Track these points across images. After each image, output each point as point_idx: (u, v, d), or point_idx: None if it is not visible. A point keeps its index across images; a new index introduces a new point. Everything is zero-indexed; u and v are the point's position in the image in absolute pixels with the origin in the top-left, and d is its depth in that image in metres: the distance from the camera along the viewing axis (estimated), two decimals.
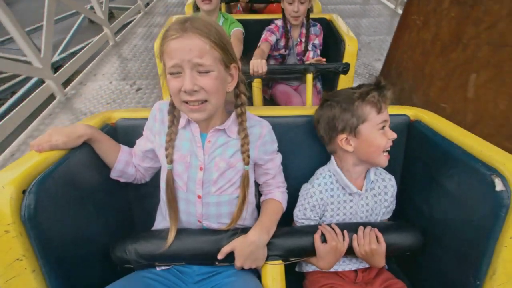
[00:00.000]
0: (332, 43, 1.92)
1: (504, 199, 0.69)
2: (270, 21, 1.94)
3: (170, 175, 0.88)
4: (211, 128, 0.88)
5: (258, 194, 1.05)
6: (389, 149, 0.92)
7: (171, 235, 0.86)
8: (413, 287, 0.98)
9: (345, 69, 1.56)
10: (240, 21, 1.93)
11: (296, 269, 1.05)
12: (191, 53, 0.72)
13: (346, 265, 0.98)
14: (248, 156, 0.89)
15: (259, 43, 1.86)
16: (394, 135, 0.91)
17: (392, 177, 1.03)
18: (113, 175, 0.95)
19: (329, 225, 0.93)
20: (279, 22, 1.90)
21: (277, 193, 1.00)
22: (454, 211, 0.84)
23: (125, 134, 1.02)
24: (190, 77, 0.74)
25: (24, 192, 0.64)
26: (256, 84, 1.65)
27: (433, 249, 0.91)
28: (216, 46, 0.75)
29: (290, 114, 1.09)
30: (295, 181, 1.05)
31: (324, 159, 1.06)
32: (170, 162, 0.88)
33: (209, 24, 0.75)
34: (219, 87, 0.79)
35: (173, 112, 0.88)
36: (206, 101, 0.78)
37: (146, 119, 0.98)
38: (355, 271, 0.98)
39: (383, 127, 0.91)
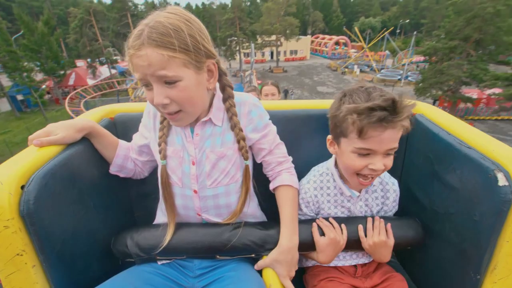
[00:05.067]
0: None
1: (507, 194, 0.68)
2: None
3: (164, 170, 0.88)
4: (198, 122, 0.86)
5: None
6: (368, 176, 0.84)
7: (170, 230, 0.86)
8: (413, 281, 0.98)
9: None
10: None
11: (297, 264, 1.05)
12: (151, 67, 0.68)
13: (346, 261, 0.98)
14: (247, 152, 0.88)
15: None
16: (376, 167, 0.80)
17: (396, 182, 1.00)
18: (112, 170, 0.95)
19: (327, 219, 0.93)
20: None
21: (284, 175, 0.94)
22: (456, 206, 0.83)
23: (124, 128, 1.02)
24: (157, 91, 0.71)
25: (22, 187, 0.64)
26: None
27: (433, 244, 0.91)
28: (177, 53, 0.69)
29: (289, 107, 1.08)
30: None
31: (321, 156, 1.04)
32: (164, 157, 0.87)
33: (167, 30, 0.68)
34: (192, 94, 0.75)
35: (164, 121, 0.87)
36: (180, 111, 0.76)
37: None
38: (355, 266, 0.98)
39: (363, 154, 0.82)
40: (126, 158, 0.95)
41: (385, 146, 0.79)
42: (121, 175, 0.98)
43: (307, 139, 1.08)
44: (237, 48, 33.11)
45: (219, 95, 0.87)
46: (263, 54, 41.04)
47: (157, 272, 0.87)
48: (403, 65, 29.07)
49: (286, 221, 0.88)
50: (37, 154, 0.72)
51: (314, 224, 0.91)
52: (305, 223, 0.93)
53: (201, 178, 0.87)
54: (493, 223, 0.70)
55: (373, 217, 0.94)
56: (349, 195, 0.94)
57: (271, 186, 0.96)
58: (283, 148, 0.97)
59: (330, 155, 1.00)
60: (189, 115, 0.79)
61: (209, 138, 0.86)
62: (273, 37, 35.05)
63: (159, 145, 0.87)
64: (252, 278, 0.83)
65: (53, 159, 0.73)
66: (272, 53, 41.12)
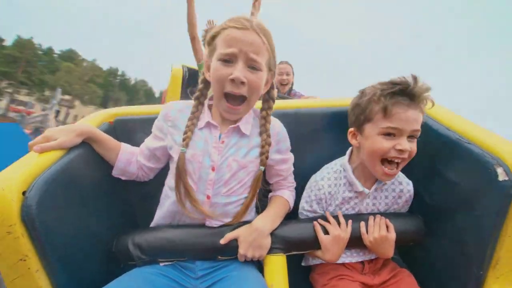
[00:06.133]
0: None
1: (507, 189, 0.68)
2: None
3: (183, 159, 0.86)
4: (227, 128, 0.89)
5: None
6: (395, 161, 0.85)
7: (172, 231, 0.86)
8: (416, 278, 0.98)
9: None
10: None
11: (303, 264, 1.05)
12: (250, 47, 0.78)
13: (353, 257, 0.97)
14: (267, 158, 0.90)
15: None
16: (403, 147, 0.82)
17: (411, 183, 0.99)
18: (115, 173, 0.96)
19: (334, 216, 0.93)
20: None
21: (286, 192, 1.01)
22: (457, 201, 0.83)
23: (124, 132, 1.02)
24: (241, 68, 0.79)
25: (24, 193, 0.64)
26: None
27: (435, 240, 0.91)
28: (269, 49, 0.83)
29: (299, 106, 1.07)
30: (299, 178, 1.04)
31: (332, 155, 1.04)
32: (186, 145, 0.87)
33: (266, 28, 0.83)
34: (260, 87, 0.84)
35: (196, 112, 0.90)
36: (245, 99, 0.83)
37: (145, 116, 0.97)
38: (362, 262, 0.98)
39: (389, 134, 0.84)
40: (128, 162, 0.95)
41: (410, 126, 0.83)
42: (124, 178, 0.98)
43: (320, 138, 1.08)
44: (8, 90, 28.79)
45: (251, 113, 0.94)
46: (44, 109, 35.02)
47: (160, 273, 0.87)
48: None
49: (270, 211, 0.93)
50: (37, 160, 0.72)
51: (316, 223, 0.91)
52: (309, 222, 0.93)
53: (218, 185, 0.88)
54: (494, 218, 0.70)
55: (372, 214, 0.93)
56: (360, 191, 0.95)
57: (270, 195, 1.02)
58: (293, 176, 1.04)
59: (340, 155, 1.02)
60: (247, 108, 0.88)
61: (233, 146, 0.89)
62: (67, 97, 33.49)
63: (185, 133, 0.87)
64: (254, 278, 0.83)
65: (54, 164, 0.73)
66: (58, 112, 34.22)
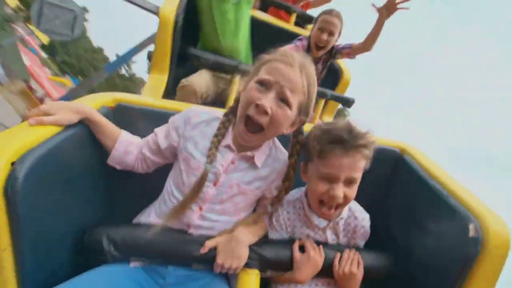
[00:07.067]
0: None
1: (475, 246, 0.74)
2: (282, 31, 1.99)
3: (205, 175, 0.85)
4: (241, 152, 0.89)
5: None
6: (331, 205, 0.87)
7: (155, 231, 0.83)
8: None
9: (352, 103, 1.69)
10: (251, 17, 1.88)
11: None
12: (288, 83, 0.79)
13: None
14: (279, 201, 0.95)
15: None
16: (335, 193, 0.83)
17: (367, 217, 1.01)
18: (110, 162, 0.92)
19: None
20: (305, 43, 1.83)
21: (266, 218, 1.00)
22: (429, 247, 0.88)
23: (123, 119, 0.98)
24: (271, 98, 0.79)
25: (13, 164, 0.61)
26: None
27: (404, 280, 0.95)
28: (306, 93, 0.83)
29: None
30: None
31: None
32: (211, 162, 0.86)
33: (311, 73, 0.84)
34: (283, 124, 0.83)
35: (222, 129, 0.90)
36: (262, 130, 0.82)
37: (148, 108, 0.95)
38: None
39: (324, 178, 0.85)
40: (126, 152, 0.92)
41: (345, 173, 0.83)
42: (119, 167, 0.95)
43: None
44: None
45: (270, 143, 0.95)
46: None
47: (127, 275, 0.82)
48: None
49: (252, 226, 0.93)
50: (31, 132, 0.68)
51: (297, 241, 0.92)
52: (284, 242, 0.94)
53: (214, 201, 0.88)
54: (460, 270, 0.75)
55: (341, 248, 0.95)
56: (316, 224, 0.96)
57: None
58: None
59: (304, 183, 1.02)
60: (261, 139, 0.88)
61: (240, 171, 0.90)
62: None
63: (210, 149, 0.87)
64: None
65: (47, 140, 0.69)
66: None
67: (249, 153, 0.89)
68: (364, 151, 0.83)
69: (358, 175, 0.86)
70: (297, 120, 0.88)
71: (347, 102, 1.79)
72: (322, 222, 0.96)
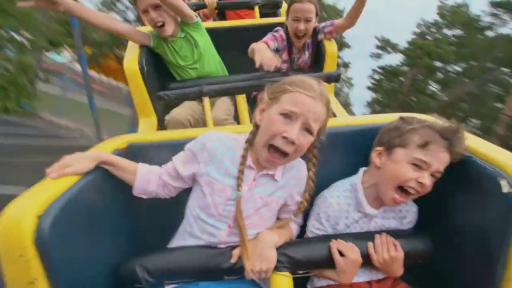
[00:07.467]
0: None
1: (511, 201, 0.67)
2: (250, 28, 1.93)
3: (240, 202, 0.90)
4: (261, 171, 0.94)
5: None
6: (410, 191, 0.88)
7: (183, 252, 0.88)
8: None
9: (338, 77, 1.53)
10: (211, 30, 1.82)
11: (309, 287, 1.02)
12: (313, 115, 0.84)
13: (360, 277, 0.94)
14: (302, 211, 0.98)
15: (255, 43, 1.57)
16: (425, 181, 0.85)
17: (415, 207, 1.00)
18: (136, 193, 0.99)
19: (337, 236, 0.92)
20: (283, 33, 1.73)
21: (293, 225, 1.03)
22: (465, 217, 0.82)
23: (135, 158, 1.04)
24: (297, 130, 0.83)
25: (39, 217, 0.68)
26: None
27: (445, 257, 0.88)
28: (325, 121, 0.89)
29: None
30: None
31: (341, 174, 1.05)
32: (240, 188, 0.91)
33: (329, 99, 0.89)
34: (305, 150, 0.89)
35: (246, 155, 0.93)
36: (287, 156, 0.86)
37: (157, 142, 1.01)
38: (369, 282, 0.95)
39: (418, 165, 0.87)
40: (147, 182, 0.97)
41: (438, 165, 0.86)
42: (145, 197, 1.01)
43: (332, 155, 1.08)
44: None
45: None
46: None
47: None
48: None
49: (276, 229, 0.95)
50: (53, 185, 0.76)
51: (333, 245, 0.90)
52: (320, 241, 0.93)
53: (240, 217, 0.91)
54: (503, 230, 0.69)
55: (378, 232, 0.92)
56: (367, 212, 0.96)
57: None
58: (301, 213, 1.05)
59: (349, 174, 1.04)
60: (284, 162, 0.91)
61: (262, 186, 0.94)
62: None
63: (238, 178, 0.91)
64: None
65: (68, 190, 0.77)
66: None
67: (270, 172, 0.94)
68: (457, 154, 0.87)
69: (442, 171, 0.88)
70: (315, 140, 0.92)
71: (331, 78, 1.48)
72: (373, 211, 0.96)
